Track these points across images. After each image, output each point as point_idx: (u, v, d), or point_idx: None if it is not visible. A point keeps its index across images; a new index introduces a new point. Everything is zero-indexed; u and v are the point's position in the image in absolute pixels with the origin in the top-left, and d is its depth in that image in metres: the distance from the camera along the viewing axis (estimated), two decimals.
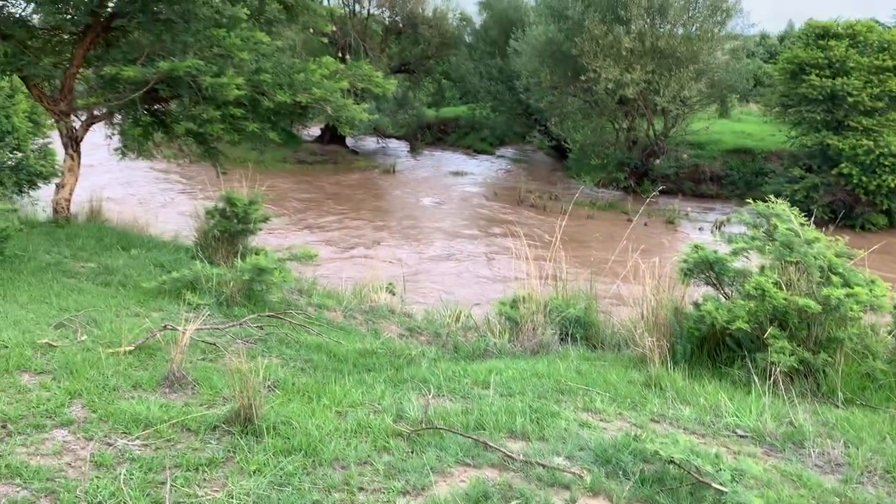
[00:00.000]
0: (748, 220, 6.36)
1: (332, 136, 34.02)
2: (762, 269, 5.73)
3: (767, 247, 5.78)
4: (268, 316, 6.30)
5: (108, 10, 10.05)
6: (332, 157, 31.76)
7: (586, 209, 21.47)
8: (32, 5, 10.05)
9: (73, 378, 4.33)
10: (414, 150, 35.78)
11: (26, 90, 14.02)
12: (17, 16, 10.23)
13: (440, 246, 17.22)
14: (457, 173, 30.27)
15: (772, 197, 6.32)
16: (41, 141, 16.20)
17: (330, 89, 9.61)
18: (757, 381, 4.95)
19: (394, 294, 9.24)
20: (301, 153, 31.24)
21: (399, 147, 36.91)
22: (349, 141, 35.03)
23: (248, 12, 9.21)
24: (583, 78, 24.02)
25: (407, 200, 24.47)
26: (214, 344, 5.36)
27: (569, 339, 6.79)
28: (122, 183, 21.10)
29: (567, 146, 26.91)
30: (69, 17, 10.16)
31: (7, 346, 4.73)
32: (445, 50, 34.75)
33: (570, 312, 6.94)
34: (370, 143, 37.34)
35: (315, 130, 36.00)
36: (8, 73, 9.76)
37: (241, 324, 5.88)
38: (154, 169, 24.65)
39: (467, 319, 8.12)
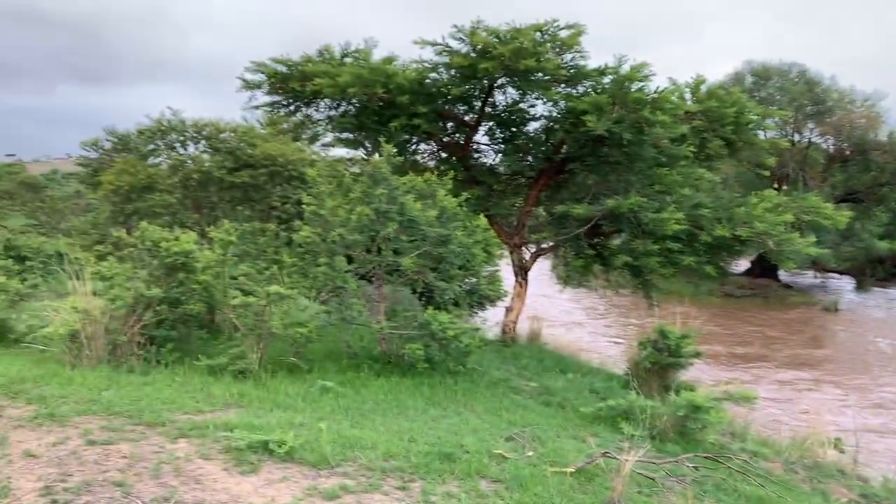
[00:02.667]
0: None
1: (762, 269, 32.28)
2: None
3: None
4: (704, 457, 6.00)
5: (561, 155, 11.30)
6: (762, 291, 30.02)
7: None
8: (500, 156, 11.83)
9: (522, 491, 4.66)
10: (861, 287, 31.91)
11: (483, 225, 16.43)
12: (488, 165, 12.15)
13: None
14: None
15: None
16: (490, 269, 18.57)
17: (772, 223, 9.21)
18: None
19: (842, 452, 8.20)
20: (728, 286, 30.13)
21: (842, 283, 33.32)
22: (782, 275, 32.78)
23: (694, 150, 9.47)
24: None
25: (855, 343, 21.57)
26: (653, 479, 5.28)
27: None
28: (557, 308, 22.77)
29: None
30: (528, 163, 11.69)
31: (469, 452, 5.33)
32: None
33: None
34: (806, 277, 34.43)
35: (744, 263, 34.61)
36: (478, 212, 11.49)
37: (676, 461, 5.71)
38: (584, 297, 26.13)
39: None
